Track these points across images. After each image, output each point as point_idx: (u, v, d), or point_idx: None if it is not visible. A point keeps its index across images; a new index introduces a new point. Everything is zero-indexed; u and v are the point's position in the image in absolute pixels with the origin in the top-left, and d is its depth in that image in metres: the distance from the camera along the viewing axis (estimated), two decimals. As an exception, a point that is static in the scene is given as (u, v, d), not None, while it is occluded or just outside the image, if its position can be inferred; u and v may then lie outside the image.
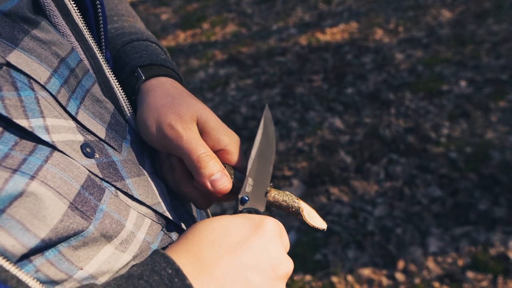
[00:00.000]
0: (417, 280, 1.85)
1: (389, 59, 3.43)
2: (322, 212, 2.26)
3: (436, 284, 1.82)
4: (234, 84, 3.65)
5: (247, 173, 0.54)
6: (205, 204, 0.58)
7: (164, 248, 0.49)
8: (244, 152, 0.56)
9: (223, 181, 0.52)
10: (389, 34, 3.83)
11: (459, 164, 2.34)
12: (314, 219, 0.57)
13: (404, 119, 2.77)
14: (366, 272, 1.93)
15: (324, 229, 0.57)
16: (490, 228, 1.97)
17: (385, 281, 1.88)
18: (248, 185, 0.54)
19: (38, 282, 0.35)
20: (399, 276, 1.89)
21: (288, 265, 0.47)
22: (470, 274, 1.82)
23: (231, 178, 0.55)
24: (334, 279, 1.93)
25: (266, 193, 0.57)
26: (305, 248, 2.09)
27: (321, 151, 2.67)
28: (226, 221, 0.46)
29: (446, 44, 3.43)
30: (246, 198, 0.53)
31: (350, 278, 1.92)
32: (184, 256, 0.42)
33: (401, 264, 1.93)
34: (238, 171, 0.56)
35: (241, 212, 0.53)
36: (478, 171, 2.26)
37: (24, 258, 0.36)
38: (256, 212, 0.54)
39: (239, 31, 4.61)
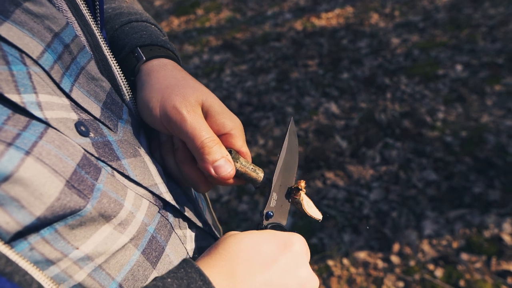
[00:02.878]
0: (412, 263, 1.87)
1: (385, 44, 3.41)
2: (318, 196, 2.27)
3: (431, 266, 1.84)
4: (229, 70, 3.62)
5: (272, 188, 0.55)
6: (205, 187, 0.57)
7: (193, 258, 0.50)
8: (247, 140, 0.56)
9: (226, 168, 0.52)
10: (385, 18, 3.80)
11: (454, 148, 2.34)
12: (311, 209, 0.59)
13: (399, 104, 2.76)
14: (362, 255, 1.95)
15: (319, 219, 0.59)
16: (484, 211, 1.99)
17: (380, 264, 1.90)
18: (273, 200, 0.56)
19: (29, 262, 0.34)
20: (394, 259, 1.91)
21: (314, 283, 0.49)
22: (464, 256, 1.84)
23: (236, 162, 0.54)
24: (330, 262, 1.95)
25: (289, 200, 0.59)
26: (301, 232, 2.10)
27: (316, 136, 2.67)
28: (256, 238, 0.48)
29: (442, 28, 3.41)
30: (271, 214, 0.55)
31: (346, 261, 1.94)
32: (218, 272, 0.44)
33: (396, 247, 1.95)
34: (242, 156, 0.56)
35: (265, 227, 0.55)
36: (473, 155, 2.27)
37: (19, 236, 0.35)
38: (281, 227, 0.55)
39: (233, 17, 4.56)
